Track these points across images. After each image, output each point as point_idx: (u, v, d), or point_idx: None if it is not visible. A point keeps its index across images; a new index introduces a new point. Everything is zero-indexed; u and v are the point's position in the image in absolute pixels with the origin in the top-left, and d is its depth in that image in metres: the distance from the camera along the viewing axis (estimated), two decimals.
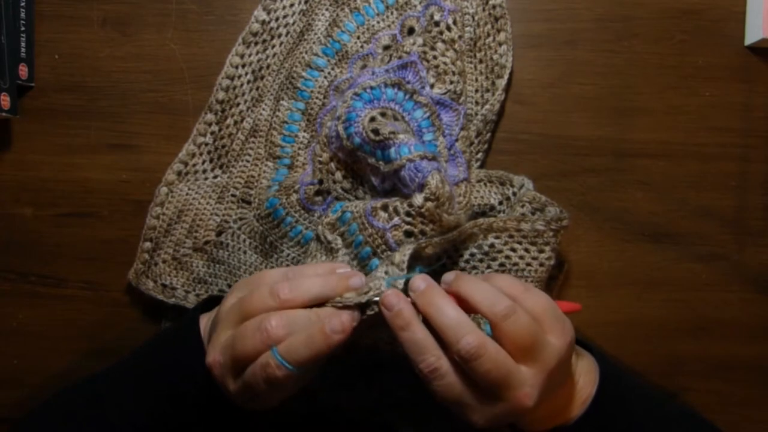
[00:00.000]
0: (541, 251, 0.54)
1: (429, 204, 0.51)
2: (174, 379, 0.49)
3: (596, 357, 0.51)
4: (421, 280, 0.46)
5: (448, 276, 0.47)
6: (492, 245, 0.54)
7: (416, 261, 0.51)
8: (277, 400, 0.47)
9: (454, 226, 0.53)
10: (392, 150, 0.52)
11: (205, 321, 0.51)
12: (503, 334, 0.43)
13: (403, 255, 0.48)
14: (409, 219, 0.51)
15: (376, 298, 0.45)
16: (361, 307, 0.45)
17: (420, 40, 0.57)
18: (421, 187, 0.51)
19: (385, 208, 0.53)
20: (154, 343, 0.53)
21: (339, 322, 0.42)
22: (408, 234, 0.52)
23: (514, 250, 0.54)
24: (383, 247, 0.52)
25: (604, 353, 0.52)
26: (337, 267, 0.47)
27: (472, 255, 0.54)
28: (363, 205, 0.54)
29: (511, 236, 0.53)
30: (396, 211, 0.52)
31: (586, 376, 0.49)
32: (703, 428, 0.55)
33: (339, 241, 0.54)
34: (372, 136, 0.53)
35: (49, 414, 0.53)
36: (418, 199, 0.51)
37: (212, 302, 0.54)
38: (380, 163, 0.54)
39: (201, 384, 0.48)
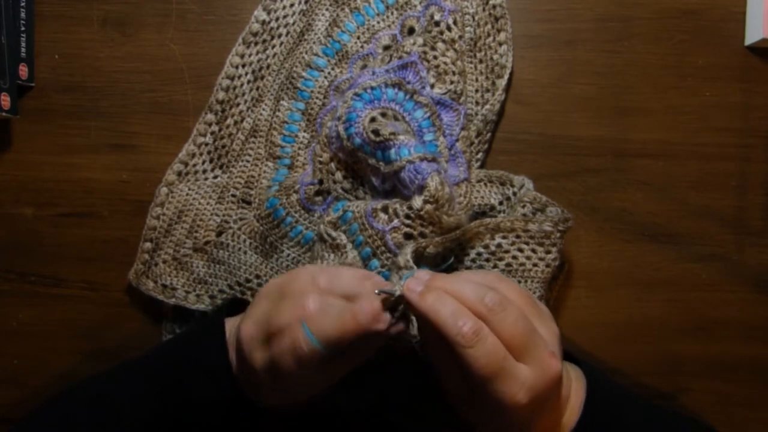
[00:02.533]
0: (548, 252, 0.54)
1: (428, 206, 0.51)
2: (194, 380, 0.49)
3: (582, 367, 0.51)
4: (415, 281, 0.45)
5: (423, 273, 0.46)
6: (499, 245, 0.54)
7: (420, 262, 0.51)
8: (297, 391, 0.47)
9: (454, 227, 0.53)
10: (392, 151, 0.52)
11: (230, 325, 0.51)
12: (496, 329, 0.42)
13: (405, 256, 0.49)
14: (408, 221, 0.51)
15: (398, 292, 0.45)
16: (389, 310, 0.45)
17: (420, 40, 0.57)
18: (421, 189, 0.51)
19: (385, 209, 0.53)
20: (174, 343, 0.53)
21: (369, 305, 0.43)
22: (407, 236, 0.52)
23: (521, 250, 0.54)
24: (383, 248, 0.52)
25: (589, 363, 0.51)
26: (372, 275, 0.47)
27: (479, 254, 0.54)
28: (364, 206, 0.54)
29: (518, 237, 0.53)
30: (396, 213, 0.52)
31: (575, 383, 0.49)
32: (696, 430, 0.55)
33: (344, 237, 0.54)
34: (372, 136, 0.53)
35: (52, 413, 0.53)
36: (417, 201, 0.51)
37: (235, 305, 0.54)
38: (380, 163, 0.54)
39: (222, 387, 0.48)
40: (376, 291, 0.45)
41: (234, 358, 0.49)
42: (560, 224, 0.53)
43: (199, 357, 0.50)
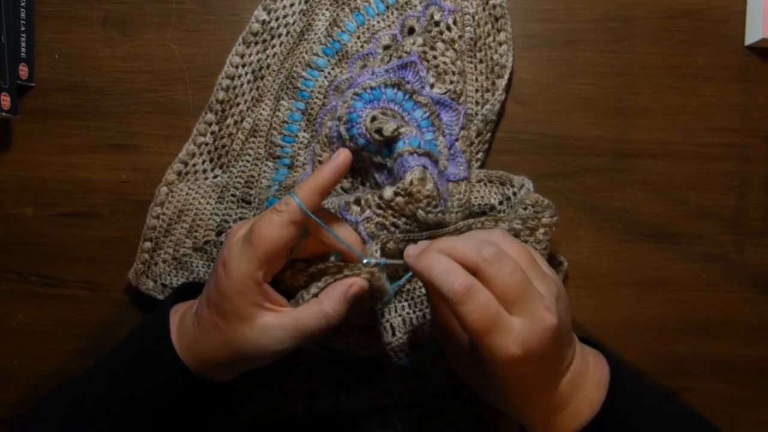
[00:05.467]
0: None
1: (399, 199, 0.51)
2: (145, 374, 0.49)
3: (607, 359, 0.49)
4: (415, 246, 0.45)
5: (423, 242, 0.46)
6: None
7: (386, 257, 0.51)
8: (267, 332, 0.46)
9: (434, 225, 0.53)
10: (399, 143, 0.53)
11: (182, 310, 0.50)
12: (490, 280, 0.42)
13: (375, 252, 0.49)
14: (379, 211, 0.52)
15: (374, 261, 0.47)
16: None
17: (420, 40, 0.57)
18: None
19: (357, 201, 0.53)
20: (125, 341, 0.52)
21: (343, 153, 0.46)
22: (380, 226, 0.52)
23: None
24: None
25: (614, 355, 0.49)
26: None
27: None
28: (338, 201, 0.54)
29: None
30: (368, 204, 0.52)
31: (594, 359, 0.47)
32: None
33: None
34: (377, 136, 0.53)
35: (37, 419, 0.53)
36: (387, 192, 0.51)
37: (186, 292, 0.54)
38: (387, 160, 0.54)
39: (173, 377, 0.48)
40: (361, 283, 0.46)
41: (188, 336, 0.48)
42: (529, 221, 0.53)
43: (143, 345, 0.50)
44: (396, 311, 0.55)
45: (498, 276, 0.42)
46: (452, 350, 0.49)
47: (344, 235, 0.48)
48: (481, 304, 0.41)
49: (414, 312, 0.55)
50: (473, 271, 0.43)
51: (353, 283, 0.46)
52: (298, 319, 0.45)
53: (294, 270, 0.47)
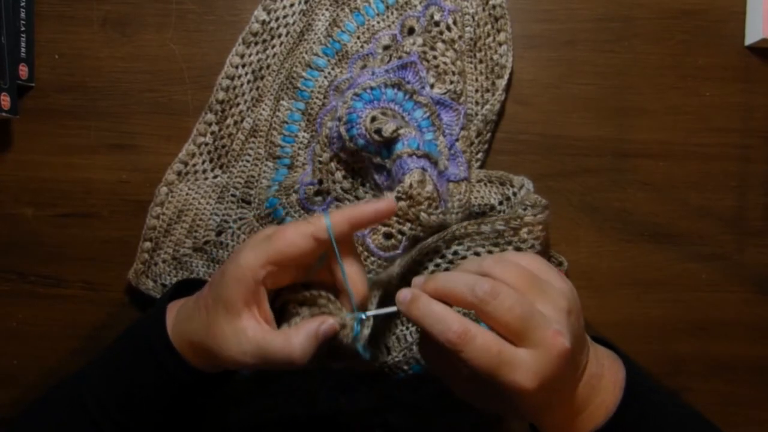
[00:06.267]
0: (503, 251, 0.53)
1: (401, 203, 0.51)
2: (140, 368, 0.49)
3: (621, 359, 0.48)
4: (407, 291, 0.44)
5: (419, 279, 0.45)
6: (455, 252, 0.53)
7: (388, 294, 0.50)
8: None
9: (437, 228, 0.52)
10: (397, 145, 0.52)
11: (177, 307, 0.50)
12: (490, 318, 0.41)
13: (372, 298, 0.47)
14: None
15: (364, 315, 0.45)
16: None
17: (420, 40, 0.57)
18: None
19: None
20: (122, 337, 0.52)
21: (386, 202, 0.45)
22: (387, 236, 0.52)
23: (477, 254, 0.53)
24: (366, 254, 0.52)
25: (627, 355, 0.49)
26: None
27: (437, 266, 0.54)
28: None
29: (473, 240, 0.53)
30: None
31: (608, 361, 0.47)
32: None
33: None
34: (376, 137, 0.53)
35: (36, 417, 0.53)
36: (388, 198, 0.51)
37: (183, 289, 0.53)
38: (386, 161, 0.54)
39: (168, 368, 0.48)
40: (332, 321, 0.45)
41: (183, 315, 0.48)
42: (512, 221, 0.52)
43: (138, 340, 0.50)
44: (389, 330, 0.55)
45: (497, 314, 0.41)
46: (451, 378, 0.47)
47: (353, 277, 0.46)
48: (479, 347, 0.40)
49: (407, 328, 0.55)
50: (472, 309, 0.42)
51: (324, 320, 0.45)
52: (264, 340, 0.44)
53: (291, 289, 0.47)
